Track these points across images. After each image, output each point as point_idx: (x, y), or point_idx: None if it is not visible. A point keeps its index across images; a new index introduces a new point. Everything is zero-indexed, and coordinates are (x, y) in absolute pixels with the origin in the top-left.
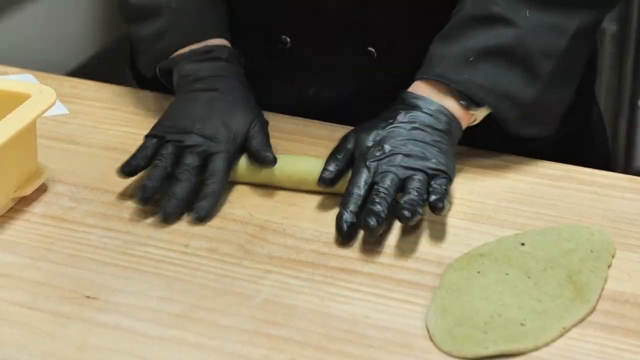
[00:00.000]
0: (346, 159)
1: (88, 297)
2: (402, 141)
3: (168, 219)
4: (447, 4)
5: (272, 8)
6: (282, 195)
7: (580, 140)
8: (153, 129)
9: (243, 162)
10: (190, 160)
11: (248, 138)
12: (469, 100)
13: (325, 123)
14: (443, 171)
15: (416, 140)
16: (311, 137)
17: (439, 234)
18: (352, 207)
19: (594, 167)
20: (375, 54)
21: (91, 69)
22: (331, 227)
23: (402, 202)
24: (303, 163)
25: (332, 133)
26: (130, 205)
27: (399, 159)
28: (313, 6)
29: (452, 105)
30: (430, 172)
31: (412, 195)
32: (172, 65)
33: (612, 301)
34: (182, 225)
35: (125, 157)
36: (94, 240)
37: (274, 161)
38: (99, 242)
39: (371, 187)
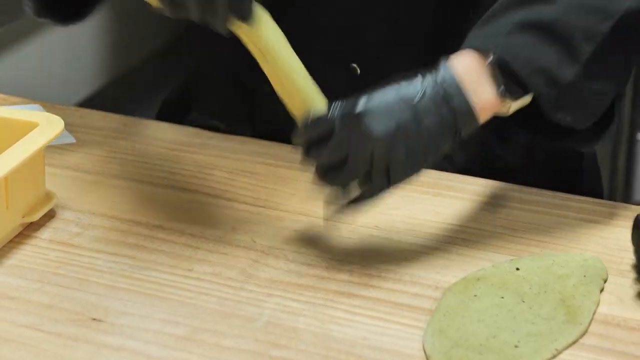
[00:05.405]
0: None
1: (94, 319)
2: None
3: None
4: (435, 21)
5: None
6: (285, 222)
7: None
8: None
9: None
10: None
11: None
12: (509, 85)
13: None
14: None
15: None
16: None
17: (436, 259)
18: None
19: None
20: (359, 71)
21: (97, 101)
22: (332, 252)
23: None
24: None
25: None
26: (135, 231)
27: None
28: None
29: (485, 94)
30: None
31: None
32: None
33: (603, 324)
34: (186, 250)
35: (130, 185)
36: (100, 265)
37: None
38: (105, 267)
39: None
